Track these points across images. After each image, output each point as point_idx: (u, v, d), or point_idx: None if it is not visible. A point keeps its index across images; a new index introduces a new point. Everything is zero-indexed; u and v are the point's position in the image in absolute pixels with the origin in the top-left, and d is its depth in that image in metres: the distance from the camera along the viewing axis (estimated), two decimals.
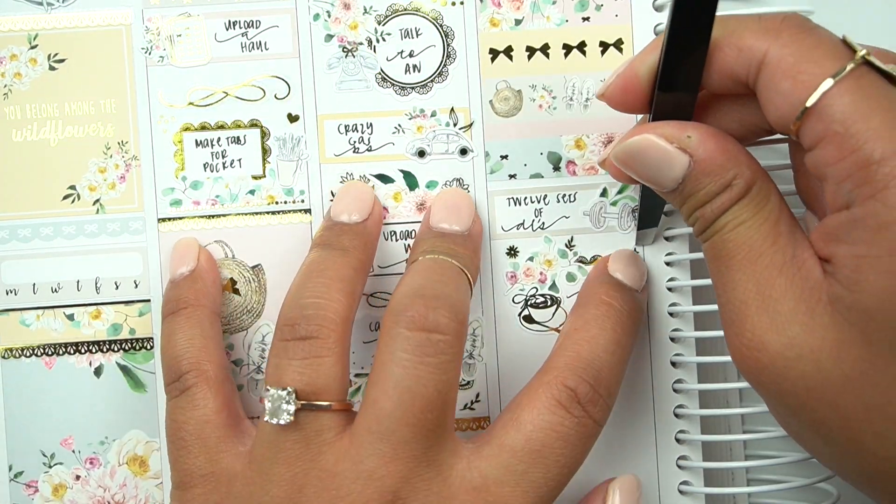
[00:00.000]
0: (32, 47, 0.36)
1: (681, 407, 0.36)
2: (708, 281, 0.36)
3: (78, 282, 0.36)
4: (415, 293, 0.30)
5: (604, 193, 0.36)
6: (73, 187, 0.36)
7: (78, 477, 0.36)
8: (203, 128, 0.36)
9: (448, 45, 0.36)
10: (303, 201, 0.36)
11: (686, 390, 0.36)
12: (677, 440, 0.36)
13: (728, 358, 0.36)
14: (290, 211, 0.36)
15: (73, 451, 0.36)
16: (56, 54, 0.36)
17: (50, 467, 0.36)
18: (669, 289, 0.36)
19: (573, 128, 0.36)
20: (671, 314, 0.36)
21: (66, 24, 0.36)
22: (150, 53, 0.36)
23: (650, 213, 0.35)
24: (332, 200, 0.36)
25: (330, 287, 0.31)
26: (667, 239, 0.36)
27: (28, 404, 0.36)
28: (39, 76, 0.36)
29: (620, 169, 0.30)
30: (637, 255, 0.36)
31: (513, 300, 0.36)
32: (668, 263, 0.36)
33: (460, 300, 0.31)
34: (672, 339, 0.36)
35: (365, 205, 0.35)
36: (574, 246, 0.36)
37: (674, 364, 0.36)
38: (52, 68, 0.36)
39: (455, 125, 0.36)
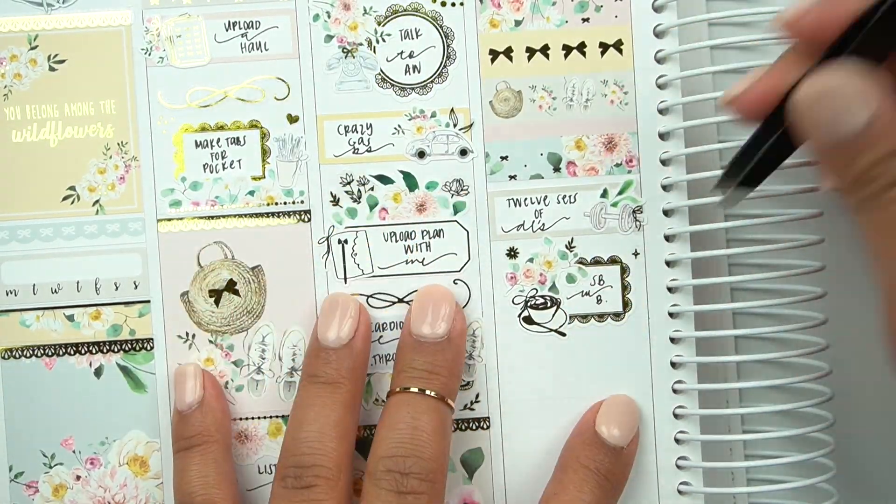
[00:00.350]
0: (32, 48, 0.36)
1: (681, 407, 0.36)
2: (708, 280, 0.36)
3: (78, 282, 0.36)
4: (390, 455, 0.32)
5: (604, 194, 0.36)
6: (72, 188, 0.36)
7: (78, 477, 0.36)
8: (203, 129, 0.36)
9: (448, 45, 0.36)
10: (302, 202, 0.36)
11: (686, 391, 0.36)
12: (677, 441, 0.36)
13: (727, 358, 0.36)
14: (289, 212, 0.36)
15: (74, 452, 0.36)
16: (56, 55, 0.36)
17: (50, 468, 0.36)
18: (670, 289, 0.36)
19: (573, 128, 0.36)
20: (671, 315, 0.36)
21: (65, 24, 0.36)
22: (149, 54, 0.36)
23: (758, 170, 0.30)
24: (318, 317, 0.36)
25: (324, 434, 0.33)
26: (667, 239, 0.36)
27: (28, 405, 0.36)
28: (39, 77, 0.36)
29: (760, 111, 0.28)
30: (630, 402, 0.36)
31: (513, 301, 0.36)
32: (668, 263, 0.36)
33: (433, 451, 0.32)
34: (672, 340, 0.36)
35: (350, 321, 0.35)
36: (574, 247, 0.36)
37: (674, 365, 0.36)
38: (52, 69, 0.36)
39: (455, 126, 0.36)
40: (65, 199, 0.36)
